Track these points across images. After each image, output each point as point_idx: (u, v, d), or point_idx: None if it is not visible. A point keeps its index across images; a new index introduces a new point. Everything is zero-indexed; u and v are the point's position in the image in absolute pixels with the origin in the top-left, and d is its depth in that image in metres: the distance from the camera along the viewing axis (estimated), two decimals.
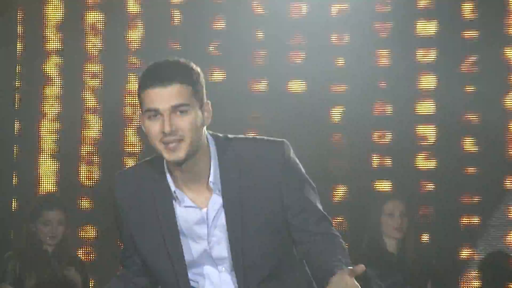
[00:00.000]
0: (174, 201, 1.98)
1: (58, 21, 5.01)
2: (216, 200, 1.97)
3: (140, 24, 4.96)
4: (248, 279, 2.02)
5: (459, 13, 4.57)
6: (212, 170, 1.97)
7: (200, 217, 1.98)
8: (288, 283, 2.07)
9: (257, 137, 2.13)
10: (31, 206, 3.92)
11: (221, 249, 2.00)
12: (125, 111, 4.91)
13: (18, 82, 4.98)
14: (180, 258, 2.00)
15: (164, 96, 1.87)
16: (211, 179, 1.96)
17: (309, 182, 2.04)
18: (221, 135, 2.03)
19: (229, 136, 2.04)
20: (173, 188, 1.97)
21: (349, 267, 1.85)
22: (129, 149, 4.86)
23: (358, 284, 1.82)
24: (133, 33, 4.98)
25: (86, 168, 4.80)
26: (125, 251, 2.13)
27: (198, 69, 1.95)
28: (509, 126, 4.49)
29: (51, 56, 5.00)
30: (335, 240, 1.99)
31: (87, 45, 5.00)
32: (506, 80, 4.53)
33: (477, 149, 4.51)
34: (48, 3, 5.03)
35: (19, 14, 5.05)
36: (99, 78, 4.97)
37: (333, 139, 4.68)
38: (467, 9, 4.57)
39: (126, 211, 2.05)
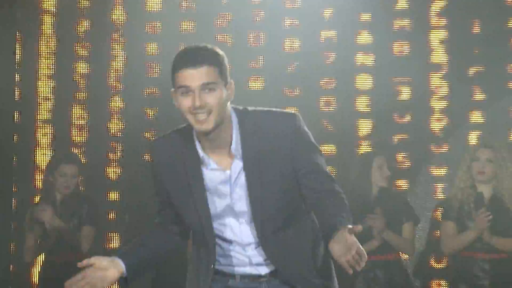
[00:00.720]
0: (201, 165, 2.30)
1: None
2: (238, 164, 2.27)
3: None
4: (264, 229, 2.30)
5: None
6: (234, 138, 2.26)
7: (224, 178, 2.29)
8: (297, 231, 2.35)
9: (272, 109, 2.37)
10: (50, 160, 4.39)
11: (242, 205, 2.30)
12: None
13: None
14: (205, 212, 2.30)
15: (195, 76, 2.16)
16: (233, 146, 2.25)
17: (317, 148, 2.33)
18: (241, 107, 2.31)
19: (248, 108, 2.32)
20: (201, 154, 2.27)
21: (349, 226, 2.13)
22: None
23: (356, 240, 2.12)
24: None
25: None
26: (160, 205, 2.43)
27: (223, 53, 2.25)
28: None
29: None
30: (338, 196, 2.27)
31: None
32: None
33: None
34: None
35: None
36: None
37: None
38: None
39: (162, 172, 2.36)
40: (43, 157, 5.02)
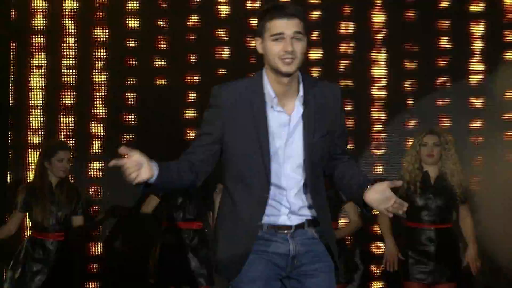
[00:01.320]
0: (266, 107, 2.58)
1: None
2: (299, 110, 2.60)
3: None
4: (308, 175, 2.60)
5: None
6: (301, 87, 2.62)
7: (285, 120, 2.58)
8: (321, 185, 2.67)
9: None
10: (46, 147, 4.74)
11: (292, 149, 2.58)
12: None
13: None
14: (267, 150, 2.56)
15: (289, 25, 2.53)
16: (300, 93, 2.60)
17: None
18: None
19: None
20: (273, 95, 2.58)
21: (389, 181, 2.51)
22: None
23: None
24: None
25: None
26: (193, 147, 2.61)
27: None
28: None
29: None
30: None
31: None
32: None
33: None
34: None
35: None
36: None
37: None
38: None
39: (226, 114, 2.58)
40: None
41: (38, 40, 5.58)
